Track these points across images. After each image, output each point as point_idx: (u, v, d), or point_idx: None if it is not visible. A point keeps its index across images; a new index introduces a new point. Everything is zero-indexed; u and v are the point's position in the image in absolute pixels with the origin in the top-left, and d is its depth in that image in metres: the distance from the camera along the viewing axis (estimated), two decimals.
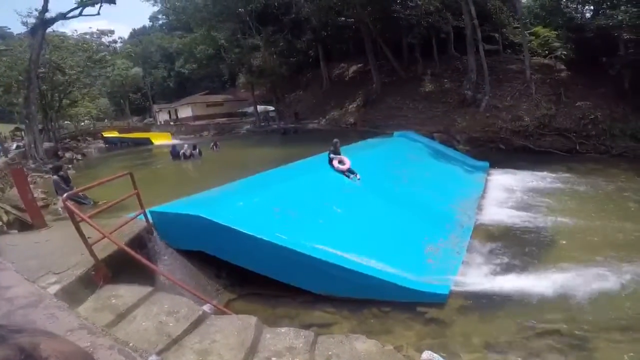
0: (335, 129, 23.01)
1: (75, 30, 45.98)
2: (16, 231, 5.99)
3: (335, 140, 7.69)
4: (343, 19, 23.94)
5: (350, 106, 25.38)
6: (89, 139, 37.10)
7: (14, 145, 26.70)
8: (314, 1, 22.39)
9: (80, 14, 20.04)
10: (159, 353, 2.53)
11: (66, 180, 8.19)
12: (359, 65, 28.91)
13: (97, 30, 34.92)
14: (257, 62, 28.66)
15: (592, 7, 17.13)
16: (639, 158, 11.75)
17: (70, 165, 16.86)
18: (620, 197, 7.88)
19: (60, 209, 7.17)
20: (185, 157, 18.17)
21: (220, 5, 27.01)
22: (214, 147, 19.72)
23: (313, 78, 32.82)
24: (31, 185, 7.14)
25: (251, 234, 4.27)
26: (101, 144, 34.19)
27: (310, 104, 30.71)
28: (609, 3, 15.68)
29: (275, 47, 29.63)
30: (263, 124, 31.96)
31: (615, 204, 7.44)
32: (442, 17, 19.60)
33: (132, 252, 3.65)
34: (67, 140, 33.05)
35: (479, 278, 4.61)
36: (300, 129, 26.29)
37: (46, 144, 22.50)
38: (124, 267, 3.78)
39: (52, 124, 29.83)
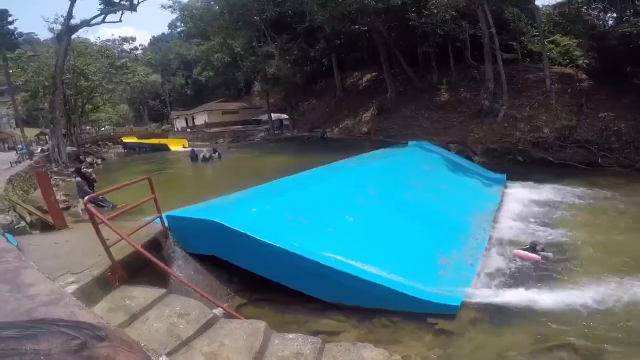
0: (348, 138, 23.08)
1: (98, 37, 48.02)
2: (38, 232, 6.24)
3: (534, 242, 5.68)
4: (357, 27, 24.10)
5: (364, 115, 25.41)
6: (108, 143, 38.35)
7: (39, 149, 27.87)
8: (327, 9, 22.65)
9: (103, 21, 20.97)
10: (168, 354, 2.57)
11: (89, 180, 8.47)
12: (373, 73, 28.99)
13: (119, 37, 36.32)
14: (271, 70, 29.16)
15: (614, 15, 16.69)
16: None
17: (91, 169, 17.50)
18: None
19: (80, 210, 7.43)
20: (205, 159, 18.75)
21: (237, 13, 27.66)
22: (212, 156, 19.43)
23: (326, 86, 33.08)
24: (54, 188, 7.43)
25: (264, 240, 4.32)
26: (120, 149, 35.28)
27: (324, 112, 30.92)
28: (632, 10, 15.28)
29: (289, 55, 30.10)
30: (277, 132, 32.36)
31: (636, 220, 7.15)
32: (458, 25, 19.50)
33: (148, 255, 3.74)
34: (88, 144, 34.25)
35: (492, 290, 4.51)
36: (313, 136, 26.55)
37: (69, 148, 23.36)
38: (139, 269, 3.88)
39: (75, 128, 30.99)
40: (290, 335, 3.09)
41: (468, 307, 4.11)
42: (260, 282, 4.55)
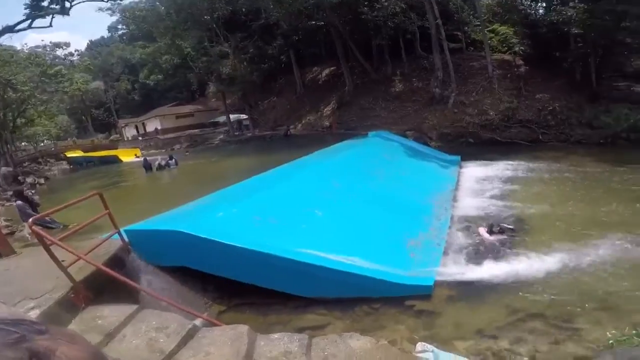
0: (312, 134, 23.14)
1: (26, 44, 43.55)
2: None
3: None
4: (314, 22, 24.11)
5: (325, 109, 25.61)
6: (50, 160, 34.72)
7: None
8: (283, 6, 22.40)
9: (30, 27, 19.03)
10: None
11: (32, 204, 7.75)
12: (332, 68, 29.20)
13: (50, 42, 33.15)
14: (226, 70, 28.28)
15: (544, 4, 18.21)
16: (595, 144, 12.65)
17: (33, 191, 15.86)
18: (584, 180, 8.42)
19: (27, 234, 6.75)
20: (161, 167, 17.86)
21: (185, 12, 26.39)
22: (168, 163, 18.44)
23: (286, 83, 32.76)
24: None
25: (234, 244, 4.21)
26: (65, 165, 32.27)
27: (285, 109, 30.66)
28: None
29: (245, 53, 29.36)
30: (237, 133, 31.54)
31: (581, 188, 7.87)
32: (408, 17, 20.25)
33: (111, 272, 3.52)
34: (27, 163, 30.92)
35: (461, 267, 4.74)
36: (276, 134, 26.29)
37: (3, 169, 20.75)
38: (104, 287, 3.63)
39: (8, 146, 27.85)
40: (276, 335, 3.06)
41: (442, 286, 4.30)
42: (238, 287, 4.45)
